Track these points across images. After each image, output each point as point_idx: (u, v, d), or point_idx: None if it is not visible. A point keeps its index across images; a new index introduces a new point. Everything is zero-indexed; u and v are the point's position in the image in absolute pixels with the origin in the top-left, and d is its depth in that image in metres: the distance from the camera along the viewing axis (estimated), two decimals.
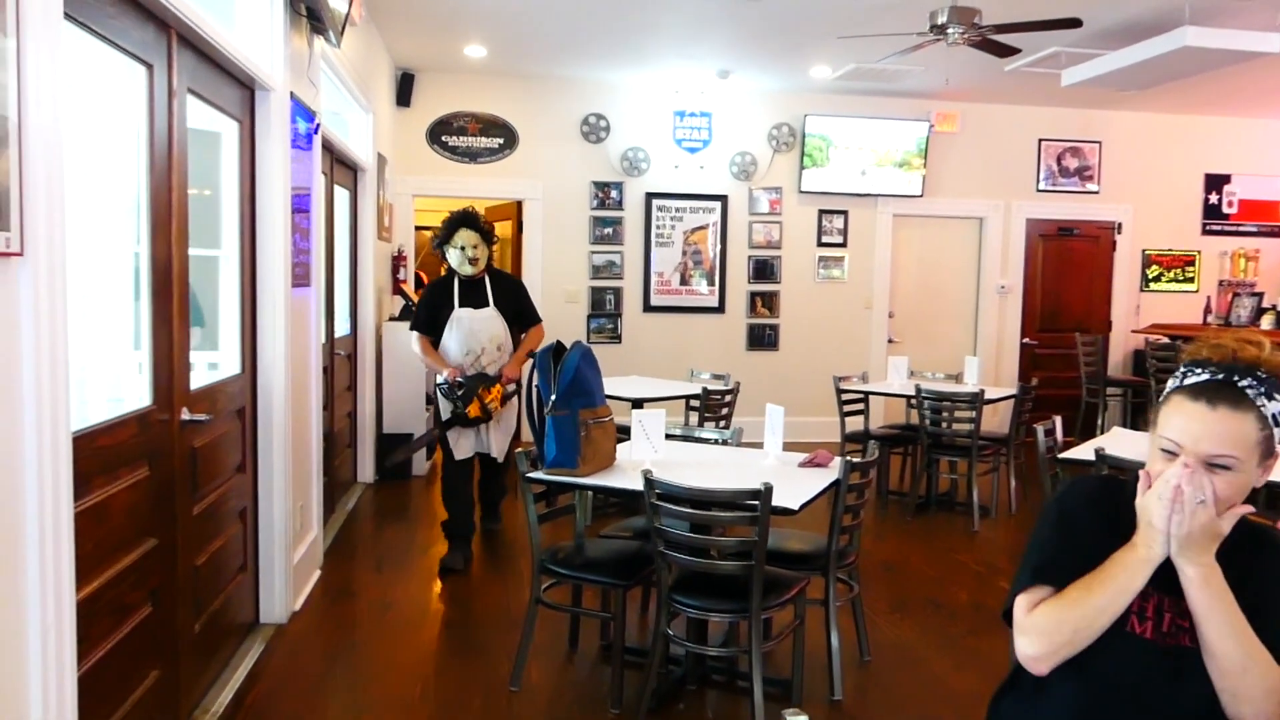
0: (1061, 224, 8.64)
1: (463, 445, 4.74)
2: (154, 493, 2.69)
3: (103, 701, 2.36)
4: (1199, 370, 1.55)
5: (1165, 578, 1.54)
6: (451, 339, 4.70)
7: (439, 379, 4.67)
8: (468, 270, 4.69)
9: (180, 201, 2.85)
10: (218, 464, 3.30)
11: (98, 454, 2.31)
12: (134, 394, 2.77)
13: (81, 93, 2.45)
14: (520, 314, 4.90)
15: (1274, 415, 1.48)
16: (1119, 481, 1.74)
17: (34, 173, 1.78)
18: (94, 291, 2.76)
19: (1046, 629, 1.54)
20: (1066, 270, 8.71)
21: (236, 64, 3.25)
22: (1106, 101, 7.95)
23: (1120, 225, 8.71)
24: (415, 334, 4.78)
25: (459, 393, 4.52)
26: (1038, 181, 8.55)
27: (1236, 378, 1.50)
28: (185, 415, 2.89)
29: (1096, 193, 8.63)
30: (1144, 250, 8.81)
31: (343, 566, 4.73)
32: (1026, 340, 8.68)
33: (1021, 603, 1.60)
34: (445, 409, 4.67)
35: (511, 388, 4.77)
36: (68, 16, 2.01)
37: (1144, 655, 1.54)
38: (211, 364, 3.61)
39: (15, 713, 1.80)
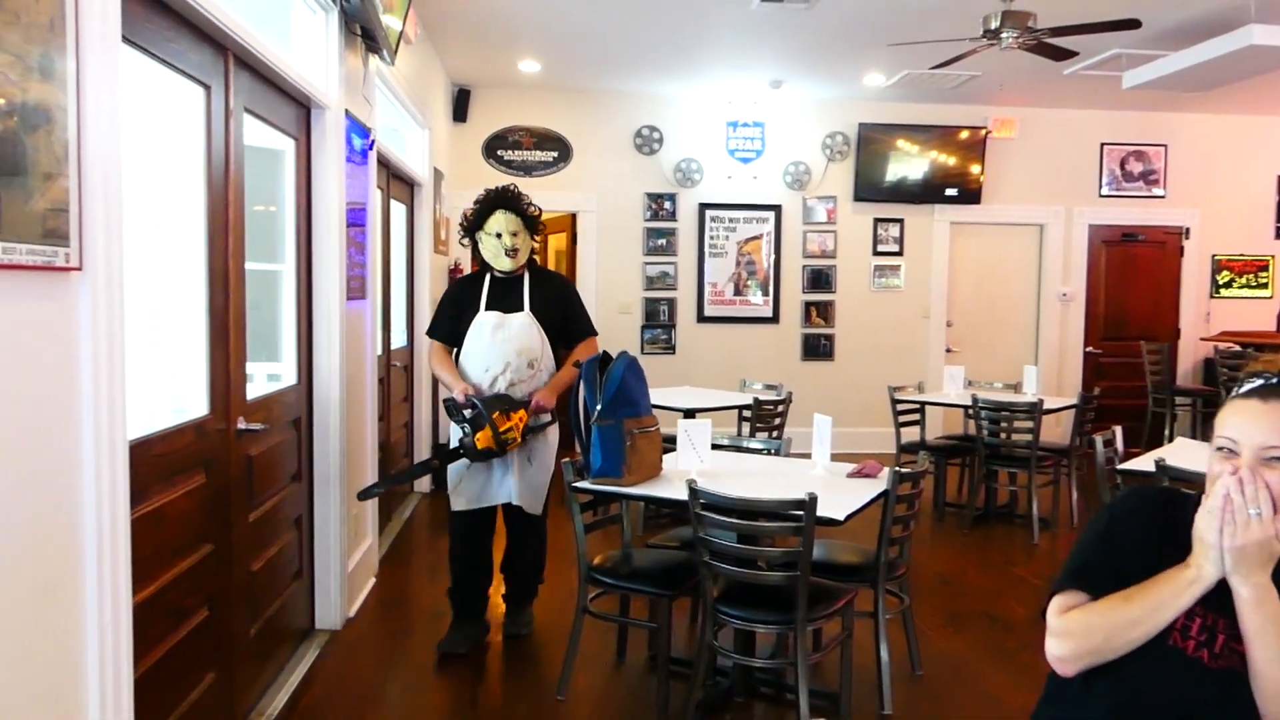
0: (1126, 229, 8.43)
1: (464, 492, 3.71)
2: (210, 500, 2.77)
3: (160, 702, 2.43)
4: (1253, 380, 1.57)
5: (1218, 598, 1.51)
6: (470, 350, 3.71)
7: (445, 396, 3.70)
8: (504, 264, 3.69)
9: (237, 217, 2.94)
10: (273, 472, 3.38)
11: (155, 462, 2.38)
12: (197, 405, 2.87)
13: (141, 112, 2.55)
14: (567, 324, 3.83)
15: None
16: (1179, 495, 1.72)
17: (93, 191, 1.86)
18: (160, 304, 2.87)
19: (1076, 632, 1.54)
20: (1131, 277, 8.49)
21: (292, 83, 3.35)
22: (1171, 103, 7.75)
23: (1188, 230, 8.47)
24: (432, 341, 3.87)
25: (468, 415, 3.53)
26: (1100, 186, 8.36)
27: None
28: (241, 424, 2.97)
29: (1163, 197, 8.41)
30: (1214, 255, 8.55)
31: (397, 574, 4.80)
32: (1090, 349, 8.48)
33: (1056, 604, 1.60)
34: (454, 436, 3.69)
35: (545, 418, 3.73)
36: (126, 40, 2.10)
37: (1191, 676, 1.50)
38: (272, 375, 3.71)
39: (73, 711, 1.87)
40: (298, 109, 3.62)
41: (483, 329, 3.70)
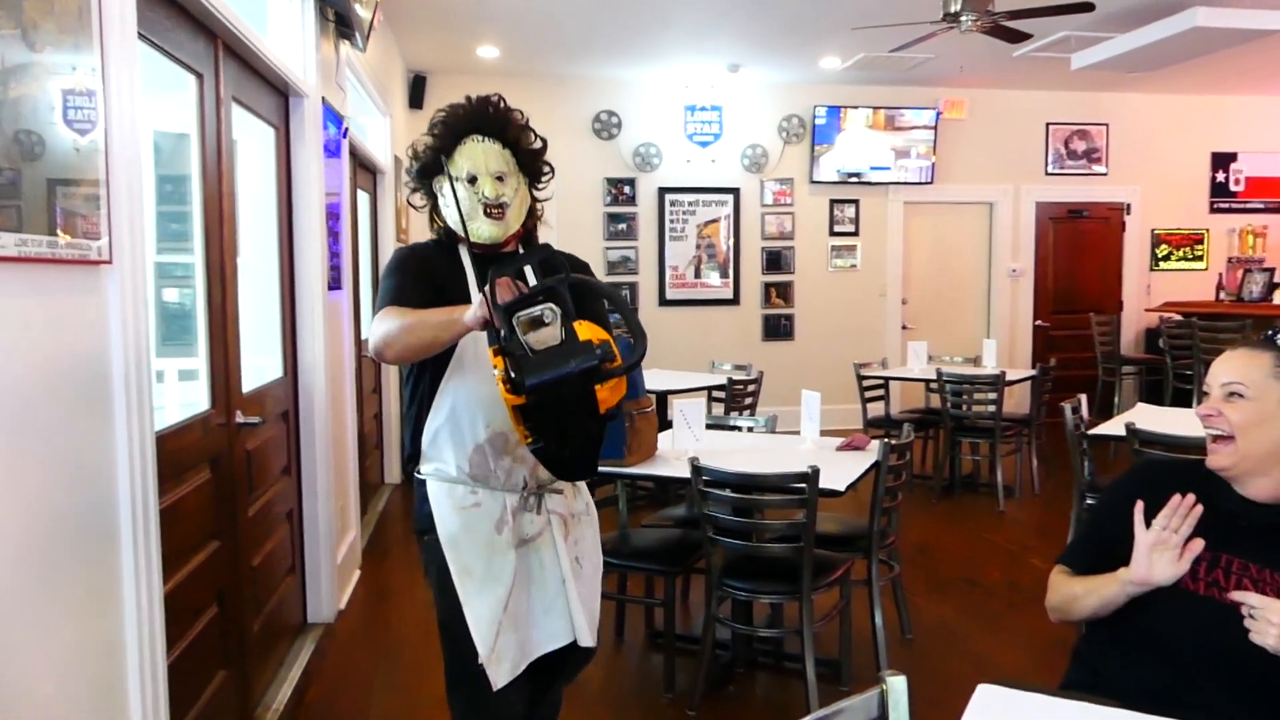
0: (1071, 206, 8.69)
1: (507, 652, 2.01)
2: (216, 495, 2.75)
3: (179, 701, 2.41)
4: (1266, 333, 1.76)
5: (1226, 537, 1.65)
6: (460, 386, 2.01)
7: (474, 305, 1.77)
8: (485, 230, 2.06)
9: (229, 209, 2.91)
10: (268, 466, 3.35)
11: (169, 457, 2.36)
12: (170, 401, 2.83)
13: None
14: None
15: None
16: (1165, 465, 1.93)
17: (118, 184, 1.84)
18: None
19: (1053, 588, 1.89)
20: (1077, 252, 8.76)
21: (275, 71, 3.31)
22: (1113, 84, 8.00)
23: (1129, 206, 8.76)
24: (385, 315, 1.93)
25: (541, 301, 1.69)
26: (1046, 165, 8.60)
27: (1272, 332, 1.70)
28: (240, 418, 2.95)
29: (1105, 174, 8.68)
30: (1153, 230, 8.86)
31: (381, 566, 4.79)
32: (1040, 322, 8.73)
33: (1058, 566, 1.92)
34: (446, 535, 2.02)
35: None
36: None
37: (1206, 613, 1.63)
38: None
39: (119, 701, 1.86)
40: (278, 97, 3.58)
41: (481, 344, 1.89)
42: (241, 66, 3.06)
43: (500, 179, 2.08)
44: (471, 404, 2.00)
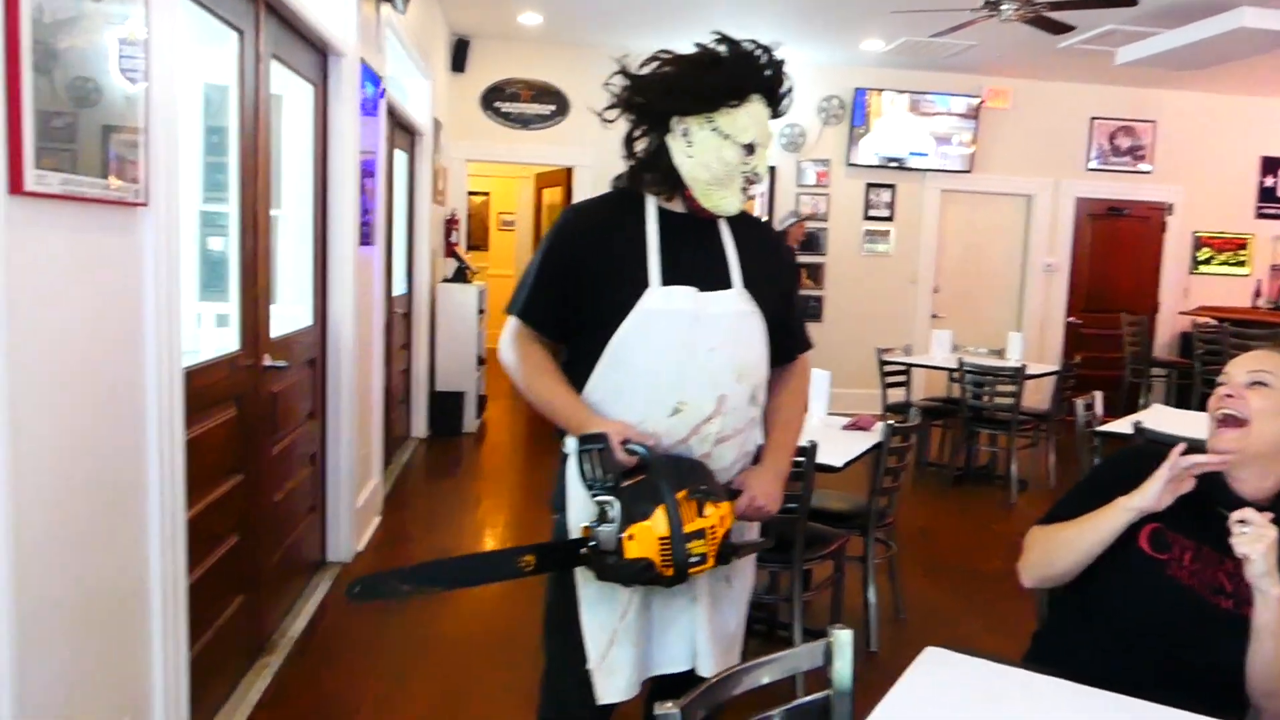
0: (1112, 204, 8.61)
1: (619, 665, 1.84)
2: (240, 432, 2.90)
3: (199, 619, 2.57)
4: None
5: (1216, 534, 1.67)
6: (636, 364, 1.78)
7: (573, 443, 1.78)
8: (733, 203, 1.85)
9: (264, 162, 3.04)
10: (293, 409, 3.51)
11: (196, 394, 2.50)
12: (193, 346, 2.96)
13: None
14: (785, 322, 1.98)
15: None
16: (1156, 448, 1.88)
17: (156, 130, 1.97)
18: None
19: (1030, 546, 1.87)
20: (1115, 250, 8.69)
21: (313, 29, 3.42)
22: (1161, 81, 7.90)
23: (1171, 206, 8.66)
24: (515, 323, 1.86)
25: (619, 484, 1.68)
26: (1088, 160, 8.52)
27: None
28: (267, 361, 3.10)
29: (1149, 173, 8.58)
30: (1195, 232, 8.76)
31: (400, 514, 4.95)
32: (1071, 319, 8.69)
33: (1032, 529, 1.91)
34: (574, 520, 1.85)
35: (754, 534, 2.02)
36: None
37: (1181, 601, 1.66)
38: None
39: (142, 615, 2.02)
40: (316, 55, 3.70)
41: (672, 322, 1.78)
42: (281, 24, 3.18)
43: (762, 144, 1.87)
44: (632, 392, 1.76)
